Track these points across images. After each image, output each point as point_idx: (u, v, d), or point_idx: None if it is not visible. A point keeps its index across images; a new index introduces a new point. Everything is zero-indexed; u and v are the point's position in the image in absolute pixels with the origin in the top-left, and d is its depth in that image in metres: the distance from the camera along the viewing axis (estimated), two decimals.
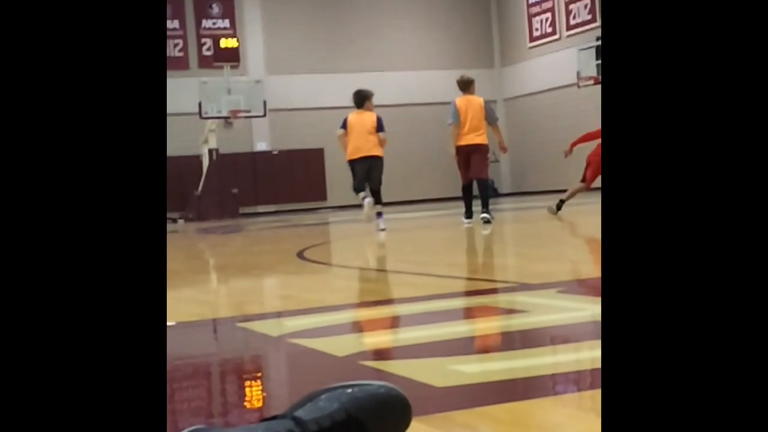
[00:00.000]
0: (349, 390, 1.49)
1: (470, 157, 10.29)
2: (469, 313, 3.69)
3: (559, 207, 11.53)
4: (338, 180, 25.04)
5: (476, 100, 10.35)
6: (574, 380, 2.23)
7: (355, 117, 10.30)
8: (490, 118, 10.37)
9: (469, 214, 10.38)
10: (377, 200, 10.34)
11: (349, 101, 10.34)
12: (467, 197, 10.50)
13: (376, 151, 10.20)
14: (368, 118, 10.24)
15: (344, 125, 10.28)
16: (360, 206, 10.60)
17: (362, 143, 10.17)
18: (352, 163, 10.32)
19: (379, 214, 10.38)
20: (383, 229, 10.20)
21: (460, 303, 4.05)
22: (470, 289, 4.55)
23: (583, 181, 11.55)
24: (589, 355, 2.52)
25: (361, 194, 10.31)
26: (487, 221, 10.18)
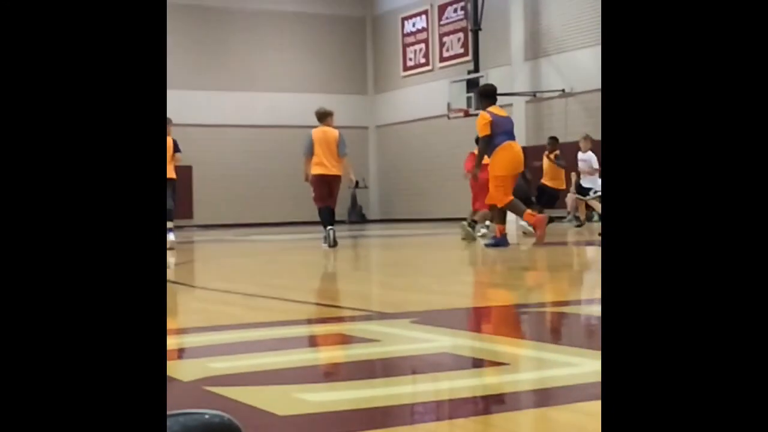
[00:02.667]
0: (181, 419, 1.47)
1: (327, 185, 10.73)
2: (320, 341, 3.70)
3: (472, 227, 11.90)
4: (205, 198, 24.76)
5: (332, 132, 10.75)
6: (417, 412, 2.26)
7: None
8: (340, 151, 10.72)
9: (329, 238, 10.60)
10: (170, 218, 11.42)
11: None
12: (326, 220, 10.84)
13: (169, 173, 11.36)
14: (167, 142, 11.63)
15: None
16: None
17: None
18: None
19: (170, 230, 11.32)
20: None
21: (313, 330, 4.06)
22: (326, 316, 4.56)
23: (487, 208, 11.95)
24: (433, 387, 2.57)
25: (169, 224, 11.19)
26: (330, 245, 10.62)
